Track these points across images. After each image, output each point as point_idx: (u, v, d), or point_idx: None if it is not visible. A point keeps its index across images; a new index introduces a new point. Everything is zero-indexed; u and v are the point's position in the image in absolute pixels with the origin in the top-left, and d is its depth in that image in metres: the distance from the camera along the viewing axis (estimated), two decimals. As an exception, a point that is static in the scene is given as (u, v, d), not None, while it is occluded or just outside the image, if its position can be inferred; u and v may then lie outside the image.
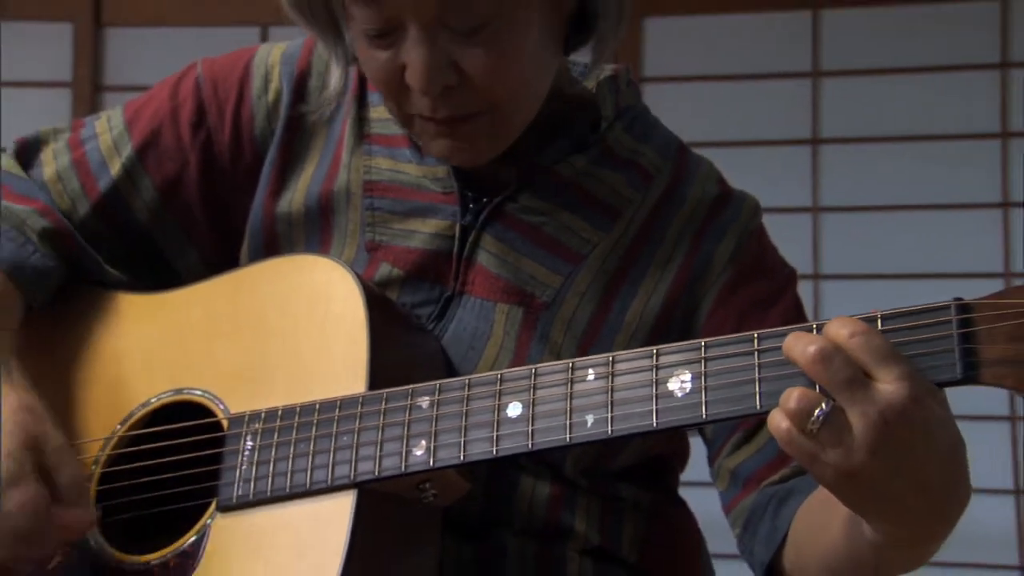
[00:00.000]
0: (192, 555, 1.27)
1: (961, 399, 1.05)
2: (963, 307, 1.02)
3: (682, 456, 1.52)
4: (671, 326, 1.39)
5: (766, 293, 1.41)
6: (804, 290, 3.02)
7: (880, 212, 3.28)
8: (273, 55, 1.48)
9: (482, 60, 1.23)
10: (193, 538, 1.27)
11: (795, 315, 1.41)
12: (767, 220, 1.47)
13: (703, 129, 3.21)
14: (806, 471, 1.15)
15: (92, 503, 1.30)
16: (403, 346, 1.33)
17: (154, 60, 3.40)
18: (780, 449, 1.07)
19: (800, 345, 1.02)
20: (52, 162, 1.49)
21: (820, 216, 3.31)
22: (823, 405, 1.00)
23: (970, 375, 1.01)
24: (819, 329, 1.05)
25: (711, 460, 1.42)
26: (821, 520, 1.21)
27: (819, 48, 3.37)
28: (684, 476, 1.52)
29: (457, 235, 1.39)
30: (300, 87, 1.46)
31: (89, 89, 3.44)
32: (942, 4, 3.31)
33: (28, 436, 1.25)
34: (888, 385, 0.99)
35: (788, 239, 1.48)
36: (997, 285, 3.17)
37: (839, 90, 3.35)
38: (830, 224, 3.31)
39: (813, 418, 1.00)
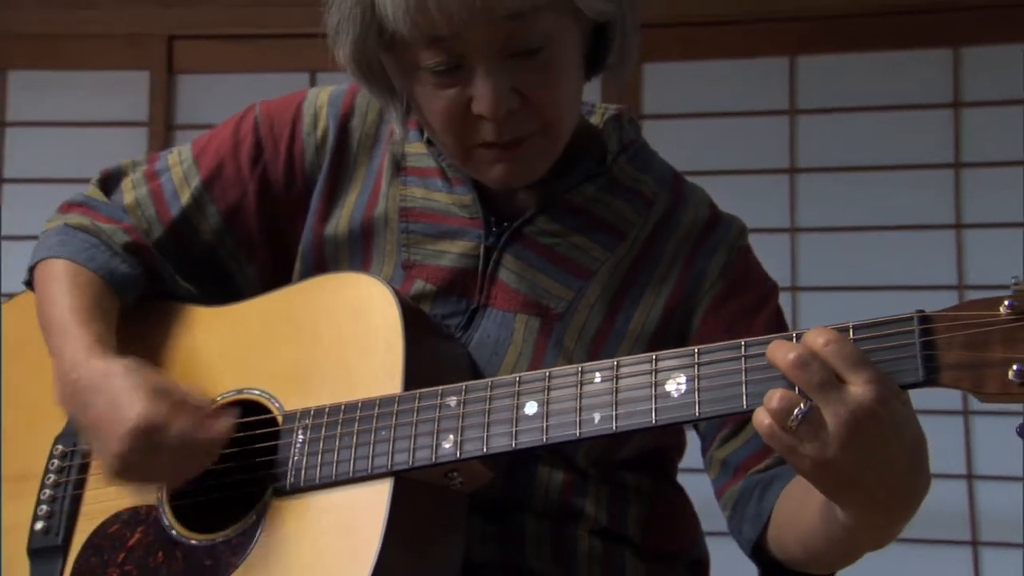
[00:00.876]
0: (251, 534, 1.26)
1: (921, 395, 1.04)
2: (924, 319, 1.02)
3: (679, 447, 1.50)
4: (669, 332, 1.38)
5: (752, 303, 1.40)
6: (783, 300, 3.02)
7: (849, 232, 3.27)
8: (321, 98, 1.48)
9: (539, 80, 1.24)
10: (252, 519, 1.27)
11: (777, 322, 1.41)
12: (751, 239, 1.46)
13: (695, 160, 3.21)
14: (787, 464, 1.17)
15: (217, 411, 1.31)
16: (434, 352, 1.32)
17: (218, 102, 3.42)
18: (764, 442, 1.07)
19: (781, 351, 1.02)
20: (131, 191, 1.49)
21: (797, 236, 3.30)
22: (802, 405, 1.00)
23: (931, 378, 1.01)
24: (798, 338, 1.05)
25: (703, 451, 1.41)
26: (800, 505, 1.20)
27: (795, 89, 3.36)
28: (682, 464, 1.51)
29: (481, 255, 1.39)
30: (344, 126, 1.46)
31: (162, 127, 3.46)
32: (902, 51, 3.31)
33: (150, 386, 1.27)
34: (858, 388, 0.99)
35: (769, 255, 1.48)
36: (952, 296, 3.17)
37: (813, 125, 3.34)
38: (805, 242, 3.29)
39: (793, 416, 1.00)
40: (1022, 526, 3.02)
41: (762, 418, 1.02)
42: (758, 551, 1.33)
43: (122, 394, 1.26)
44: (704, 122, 3.37)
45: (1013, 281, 0.99)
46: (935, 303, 3.06)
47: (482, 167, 1.32)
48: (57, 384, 1.34)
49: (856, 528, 1.10)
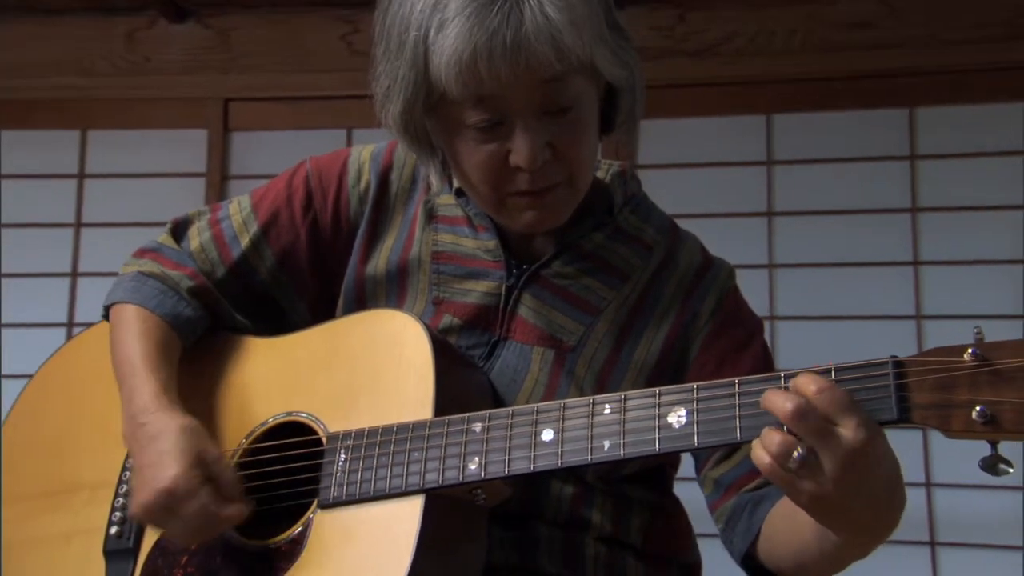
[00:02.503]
0: (299, 542, 1.25)
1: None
2: (898, 363, 1.01)
3: (675, 464, 1.48)
4: (668, 364, 1.36)
5: (740, 339, 1.38)
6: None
7: (821, 268, 3.25)
8: (364, 155, 1.47)
9: (568, 136, 1.24)
10: (300, 528, 1.26)
11: (763, 357, 1.39)
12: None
13: (686, 205, 3.24)
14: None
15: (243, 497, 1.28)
16: (460, 380, 1.31)
17: (267, 156, 3.45)
18: (753, 464, 1.05)
19: (779, 402, 1.00)
20: (197, 236, 1.48)
21: (774, 271, 3.28)
22: (800, 449, 0.98)
23: (904, 417, 1.00)
24: (786, 378, 1.04)
25: (698, 471, 1.39)
26: (792, 523, 1.18)
27: (771, 143, 3.35)
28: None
29: (503, 293, 1.37)
30: (384, 179, 1.45)
31: (218, 178, 3.46)
32: (865, 111, 3.30)
33: (195, 455, 1.25)
34: (849, 432, 0.98)
35: (750, 289, 1.47)
36: (911, 325, 3.16)
37: (787, 175, 3.33)
38: (782, 277, 3.27)
39: (792, 459, 0.98)
40: (975, 528, 3.03)
41: (762, 456, 1.01)
42: (747, 560, 1.32)
43: (169, 453, 1.25)
44: (693, 172, 3.36)
45: (975, 331, 0.98)
46: (896, 331, 3.07)
47: (514, 214, 1.31)
48: (125, 423, 1.34)
49: (845, 545, 1.09)
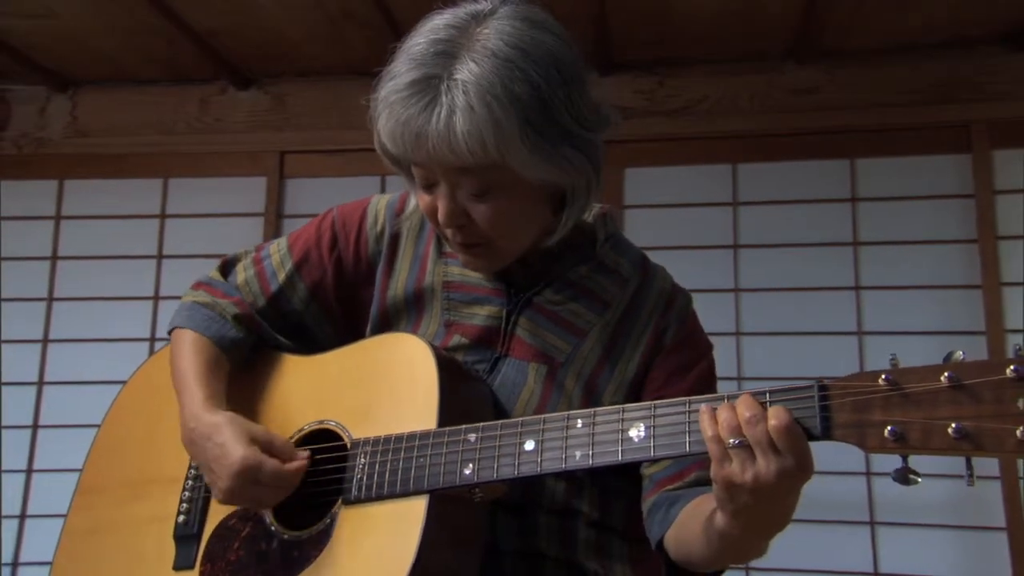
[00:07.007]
0: (326, 532, 1.22)
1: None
2: (822, 387, 0.98)
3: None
4: (641, 378, 1.33)
5: (688, 360, 1.34)
6: (728, 342, 2.93)
7: (778, 292, 3.20)
8: (380, 203, 1.45)
9: (482, 213, 1.19)
10: (327, 521, 1.22)
11: (708, 377, 1.35)
12: (706, 298, 1.41)
13: (665, 238, 3.22)
14: (691, 488, 1.19)
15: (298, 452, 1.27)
16: (464, 393, 1.27)
17: (315, 198, 3.43)
18: (679, 469, 1.08)
19: (741, 408, 0.99)
20: (243, 272, 1.47)
21: (739, 294, 3.23)
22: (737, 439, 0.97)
23: (826, 435, 0.97)
24: (729, 398, 1.01)
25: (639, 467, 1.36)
26: (694, 523, 1.16)
27: (737, 187, 3.31)
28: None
29: (504, 317, 1.33)
30: (397, 221, 1.43)
31: (275, 217, 3.45)
32: (814, 161, 3.25)
33: (247, 435, 1.24)
34: (790, 460, 0.97)
35: (719, 309, 1.44)
36: (853, 340, 3.11)
37: (749, 214, 3.28)
38: (746, 300, 3.22)
39: (732, 441, 0.97)
40: (907, 510, 2.97)
41: (707, 426, 0.99)
42: (660, 544, 1.28)
43: (227, 442, 1.24)
44: (671, 211, 3.33)
45: (891, 358, 0.94)
46: (840, 345, 3.01)
47: (454, 250, 1.29)
48: (181, 430, 1.32)
49: (730, 543, 1.06)
